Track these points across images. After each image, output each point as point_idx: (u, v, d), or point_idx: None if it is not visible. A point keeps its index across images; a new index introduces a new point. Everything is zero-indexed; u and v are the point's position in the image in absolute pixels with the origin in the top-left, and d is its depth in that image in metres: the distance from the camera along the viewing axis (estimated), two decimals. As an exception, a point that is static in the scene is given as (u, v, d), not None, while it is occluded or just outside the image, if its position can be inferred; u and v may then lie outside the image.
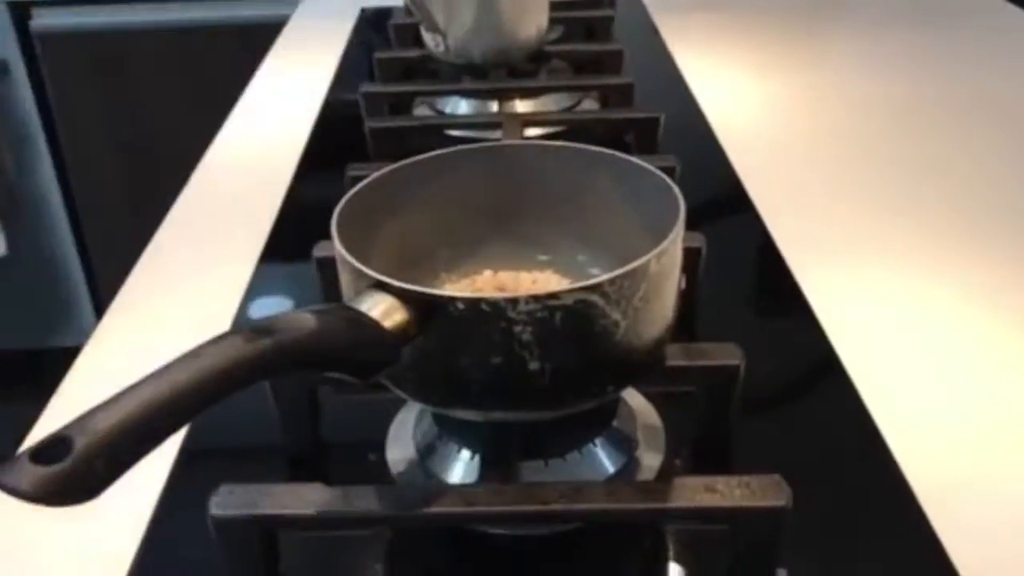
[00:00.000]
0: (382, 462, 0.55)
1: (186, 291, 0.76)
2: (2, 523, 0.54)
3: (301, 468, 0.57)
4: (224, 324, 0.70)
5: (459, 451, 0.53)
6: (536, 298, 0.43)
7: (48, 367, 0.67)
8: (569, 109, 1.03)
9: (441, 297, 0.44)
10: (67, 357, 0.67)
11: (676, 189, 0.51)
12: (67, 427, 0.34)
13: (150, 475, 0.56)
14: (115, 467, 0.34)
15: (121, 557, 0.51)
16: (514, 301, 0.43)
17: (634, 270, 0.45)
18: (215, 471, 0.57)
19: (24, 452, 0.33)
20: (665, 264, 0.47)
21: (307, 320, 0.41)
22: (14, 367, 1.95)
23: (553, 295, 0.44)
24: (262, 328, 0.40)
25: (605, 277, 0.44)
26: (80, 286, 2.06)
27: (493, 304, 0.43)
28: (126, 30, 1.91)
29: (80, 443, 0.33)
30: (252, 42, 1.35)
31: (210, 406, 0.38)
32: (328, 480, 0.47)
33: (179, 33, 1.90)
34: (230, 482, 0.47)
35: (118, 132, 1.74)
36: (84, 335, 0.70)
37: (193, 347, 0.38)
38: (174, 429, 0.37)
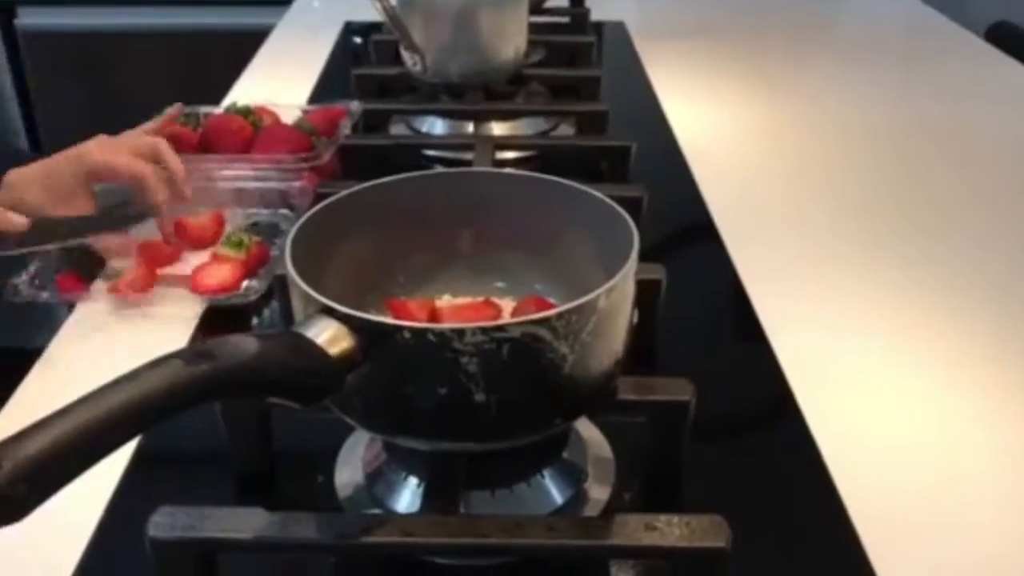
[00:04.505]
0: (330, 485, 0.55)
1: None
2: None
3: (250, 488, 0.57)
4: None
5: (406, 478, 0.53)
6: (483, 330, 0.43)
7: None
8: (544, 134, 1.03)
9: (388, 326, 0.44)
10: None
11: (632, 225, 0.51)
12: (-7, 449, 0.34)
13: (97, 489, 0.56)
14: (39, 491, 0.34)
15: (60, 572, 0.51)
16: (461, 332, 0.43)
17: (582, 305, 0.45)
18: (163, 488, 0.57)
19: (-51, 473, 0.33)
20: (615, 300, 0.47)
21: (249, 345, 0.40)
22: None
23: (500, 327, 0.43)
24: (203, 352, 0.39)
25: (553, 311, 0.44)
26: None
27: (440, 334, 0.43)
28: (111, 32, 1.91)
29: (4, 467, 0.33)
30: (237, 49, 1.35)
31: (146, 430, 0.38)
32: (275, 502, 0.47)
33: (164, 37, 1.91)
34: (176, 501, 0.46)
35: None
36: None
37: (132, 369, 0.38)
38: (107, 452, 0.37)
